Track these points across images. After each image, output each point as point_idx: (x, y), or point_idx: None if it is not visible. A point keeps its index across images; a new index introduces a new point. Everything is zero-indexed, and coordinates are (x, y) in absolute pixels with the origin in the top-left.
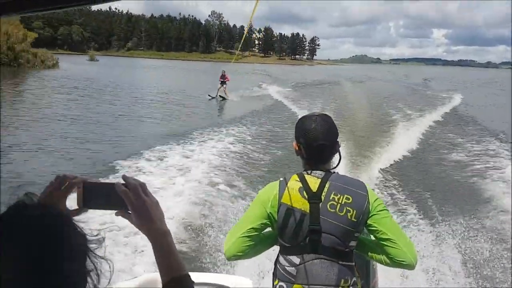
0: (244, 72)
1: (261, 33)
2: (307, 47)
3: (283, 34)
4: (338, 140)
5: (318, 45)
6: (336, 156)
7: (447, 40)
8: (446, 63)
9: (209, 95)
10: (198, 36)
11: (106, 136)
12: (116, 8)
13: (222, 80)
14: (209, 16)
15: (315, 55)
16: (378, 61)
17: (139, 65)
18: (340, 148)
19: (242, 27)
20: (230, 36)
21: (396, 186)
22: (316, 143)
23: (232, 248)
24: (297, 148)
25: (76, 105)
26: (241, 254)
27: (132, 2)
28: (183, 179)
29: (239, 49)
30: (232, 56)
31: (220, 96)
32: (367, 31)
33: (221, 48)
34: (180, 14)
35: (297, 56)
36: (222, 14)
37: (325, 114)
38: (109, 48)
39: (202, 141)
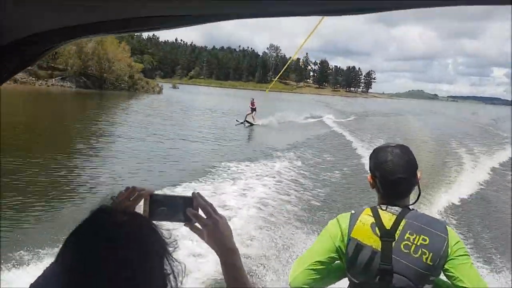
0: (298, 101)
1: (316, 65)
2: (362, 80)
3: (338, 66)
4: (417, 173)
5: (374, 78)
6: (415, 191)
7: (507, 79)
8: (505, 102)
9: (237, 120)
10: (255, 67)
11: (187, 154)
12: (181, 40)
13: (251, 107)
14: (267, 48)
15: (370, 88)
16: (435, 97)
17: (207, 92)
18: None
19: (298, 59)
20: (287, 67)
21: (458, 228)
22: (392, 176)
23: (297, 280)
24: (371, 181)
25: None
26: (306, 286)
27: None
28: (241, 207)
29: (271, 76)
30: (287, 86)
31: (247, 121)
32: (424, 66)
33: (275, 78)
34: (239, 46)
35: (351, 89)
36: (279, 46)
37: (403, 145)
38: (173, 76)
39: (257, 169)
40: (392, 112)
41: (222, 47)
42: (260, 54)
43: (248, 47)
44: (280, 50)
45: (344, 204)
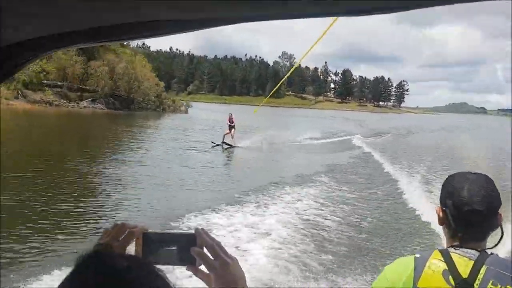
0: (315, 117)
1: (337, 76)
2: (393, 93)
3: (364, 77)
4: (499, 212)
5: (407, 90)
6: (496, 231)
7: None
8: None
9: (212, 142)
10: (266, 79)
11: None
12: (177, 49)
13: (230, 124)
14: (279, 57)
15: (403, 101)
16: (482, 110)
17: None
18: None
19: (315, 69)
20: (301, 79)
21: None
22: (468, 207)
23: None
24: (441, 215)
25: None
26: None
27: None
28: (257, 244)
29: (285, 89)
30: (304, 101)
31: (225, 143)
32: (467, 73)
33: (290, 92)
34: (246, 55)
35: (380, 103)
36: (293, 55)
37: (484, 175)
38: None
39: (265, 202)
40: (438, 128)
41: (225, 56)
42: (271, 63)
43: (256, 56)
44: (294, 58)
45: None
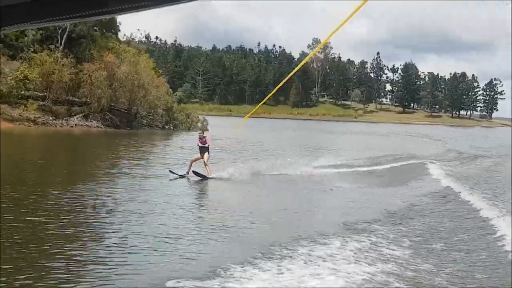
0: (365, 133)
1: (396, 73)
2: (480, 97)
3: (436, 74)
4: None
5: (501, 93)
6: None
7: None
8: None
9: (171, 171)
10: (290, 79)
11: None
12: (157, 37)
13: (202, 144)
14: (308, 46)
15: (495, 109)
16: None
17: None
18: None
19: (363, 64)
20: (342, 79)
21: None
22: None
23: None
24: None
25: None
26: None
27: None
28: None
29: (318, 93)
30: (347, 111)
31: (195, 173)
32: None
33: (325, 98)
34: (258, 44)
35: (461, 112)
36: (329, 43)
37: None
38: None
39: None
40: None
41: (229, 47)
42: (296, 56)
43: (274, 46)
44: (331, 48)
45: None
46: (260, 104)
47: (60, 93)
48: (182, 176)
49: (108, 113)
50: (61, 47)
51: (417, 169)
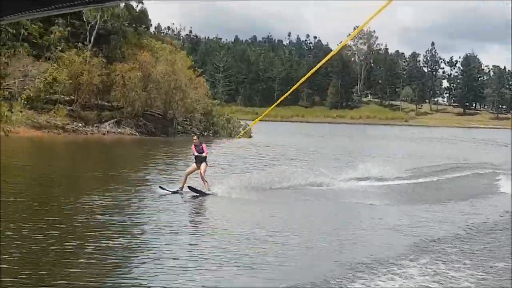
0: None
1: (454, 67)
2: None
3: (502, 67)
4: None
5: None
6: None
7: None
8: None
9: (161, 187)
10: (327, 75)
11: None
12: (168, 28)
13: (198, 153)
14: (348, 36)
15: None
16: None
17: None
18: None
19: (414, 56)
20: (390, 75)
21: None
22: None
23: None
24: None
25: None
26: None
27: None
28: None
29: (361, 92)
30: (396, 113)
31: (191, 188)
32: None
33: (369, 97)
34: (289, 35)
35: None
36: (373, 32)
37: None
38: None
39: None
40: None
41: (254, 38)
42: (333, 47)
43: (308, 37)
44: (376, 38)
45: None
46: (272, 106)
47: (89, 97)
48: (175, 193)
49: (141, 118)
50: (89, 45)
51: (484, 181)
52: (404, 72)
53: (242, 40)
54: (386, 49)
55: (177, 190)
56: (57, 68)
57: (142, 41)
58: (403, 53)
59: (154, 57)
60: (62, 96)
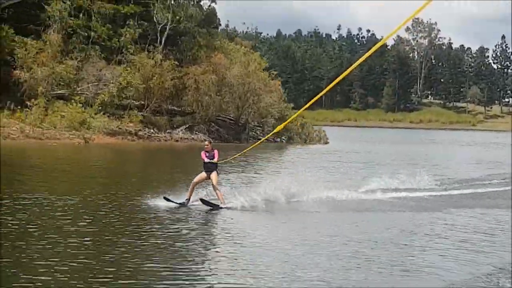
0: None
1: None
2: None
3: None
4: None
5: None
6: None
7: None
8: None
9: (166, 198)
10: (391, 71)
11: None
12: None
13: (209, 160)
14: (406, 29)
15: None
16: None
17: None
18: None
19: (482, 50)
20: (454, 73)
21: None
22: None
23: None
24: None
25: None
26: None
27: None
28: None
29: (420, 93)
30: (462, 116)
31: (204, 201)
32: None
33: (430, 99)
34: (338, 28)
35: None
36: (434, 24)
37: None
38: None
39: None
40: None
41: (299, 32)
42: (390, 44)
43: (361, 31)
44: (438, 31)
45: None
46: (302, 109)
47: (160, 102)
48: (181, 205)
49: (214, 124)
50: (160, 47)
51: None
52: (471, 70)
53: (285, 35)
54: (450, 43)
55: (183, 202)
56: (130, 72)
57: (215, 43)
58: (469, 48)
59: (228, 59)
60: (133, 101)
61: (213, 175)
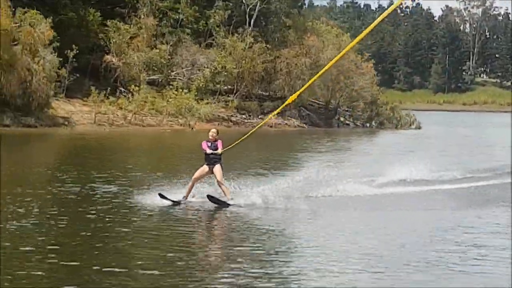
0: None
1: None
2: None
3: None
4: None
5: None
6: None
7: None
8: None
9: (161, 195)
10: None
11: None
12: None
13: (212, 151)
14: None
15: None
16: None
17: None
18: None
19: None
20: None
21: None
22: None
23: None
24: None
25: None
26: None
27: None
28: None
29: (474, 70)
30: None
31: (211, 198)
32: None
33: (485, 77)
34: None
35: None
36: None
37: None
38: None
39: None
40: None
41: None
42: (438, 15)
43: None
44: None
45: None
46: (294, 95)
47: (250, 86)
48: (175, 203)
49: (304, 109)
50: (249, 29)
51: None
52: None
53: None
54: (507, 13)
55: (180, 201)
56: (224, 56)
57: (307, 24)
58: None
59: (320, 41)
60: (223, 86)
61: (217, 168)
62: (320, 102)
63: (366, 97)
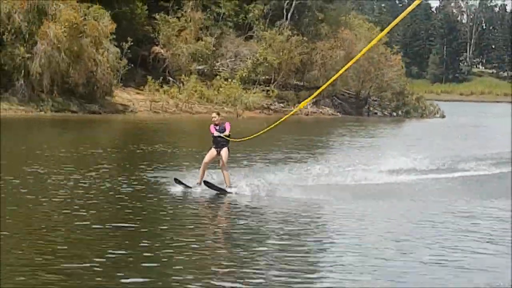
0: None
1: None
2: None
3: None
4: None
5: None
6: None
7: None
8: None
9: (177, 180)
10: (426, 39)
11: None
12: None
13: (219, 134)
14: None
15: None
16: None
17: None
18: None
19: None
20: (510, 39)
21: None
22: None
23: None
24: None
25: None
26: None
27: None
28: None
29: (471, 59)
30: None
31: (207, 183)
32: None
33: (481, 68)
34: None
35: None
36: None
37: None
38: None
39: None
40: None
41: None
42: (435, 6)
43: None
44: None
45: None
46: (309, 98)
47: (287, 76)
48: (187, 186)
49: (336, 98)
50: (286, 22)
51: None
52: None
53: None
54: (504, 5)
55: (194, 186)
56: (265, 48)
57: (340, 18)
58: None
59: (353, 34)
60: (262, 77)
61: (224, 151)
62: (351, 92)
63: (395, 87)
